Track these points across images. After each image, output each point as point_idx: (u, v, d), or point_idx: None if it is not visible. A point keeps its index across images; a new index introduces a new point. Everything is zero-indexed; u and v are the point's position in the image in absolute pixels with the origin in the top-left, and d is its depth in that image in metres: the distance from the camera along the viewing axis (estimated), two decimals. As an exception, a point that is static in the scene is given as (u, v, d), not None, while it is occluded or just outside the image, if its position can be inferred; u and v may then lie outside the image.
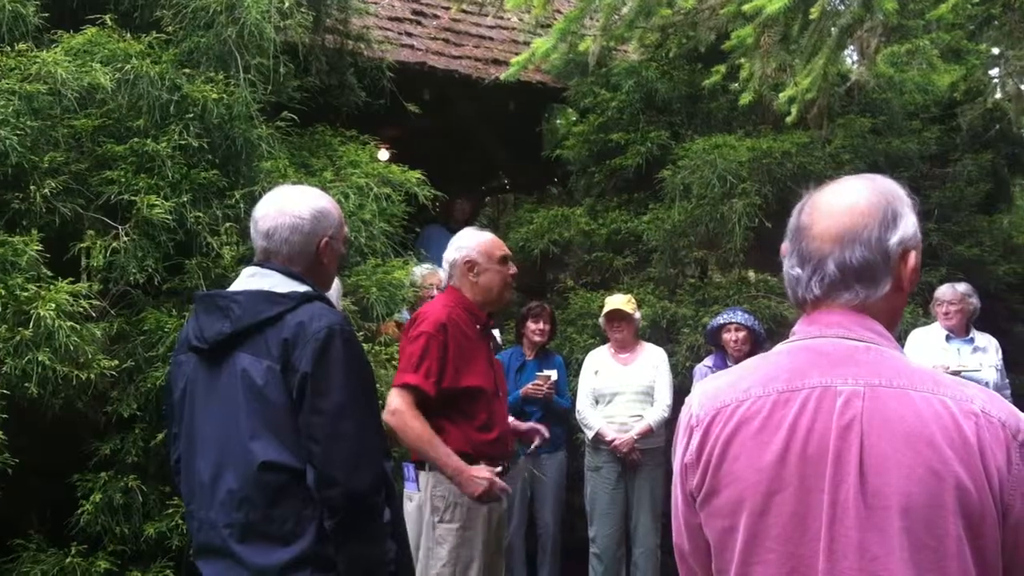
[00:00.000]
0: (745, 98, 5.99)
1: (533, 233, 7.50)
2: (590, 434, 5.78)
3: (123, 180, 4.15)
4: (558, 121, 8.35)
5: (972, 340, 5.97)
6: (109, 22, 4.54)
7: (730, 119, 7.49)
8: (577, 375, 6.03)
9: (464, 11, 8.06)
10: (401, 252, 5.15)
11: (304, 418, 2.32)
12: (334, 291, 3.47)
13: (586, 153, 7.75)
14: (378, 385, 3.56)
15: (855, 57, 7.31)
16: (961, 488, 1.46)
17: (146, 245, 4.07)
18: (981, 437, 1.48)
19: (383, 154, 7.05)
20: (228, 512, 2.38)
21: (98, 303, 3.92)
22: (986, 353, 5.92)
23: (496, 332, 6.02)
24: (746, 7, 5.28)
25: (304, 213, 2.53)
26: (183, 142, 4.32)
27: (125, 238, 4.03)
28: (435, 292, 5.13)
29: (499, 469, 3.75)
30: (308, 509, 2.35)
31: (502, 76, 7.04)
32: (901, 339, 5.98)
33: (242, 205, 4.35)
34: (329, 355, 2.34)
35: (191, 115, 4.39)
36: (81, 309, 3.71)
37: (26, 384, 3.49)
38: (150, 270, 4.05)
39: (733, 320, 5.65)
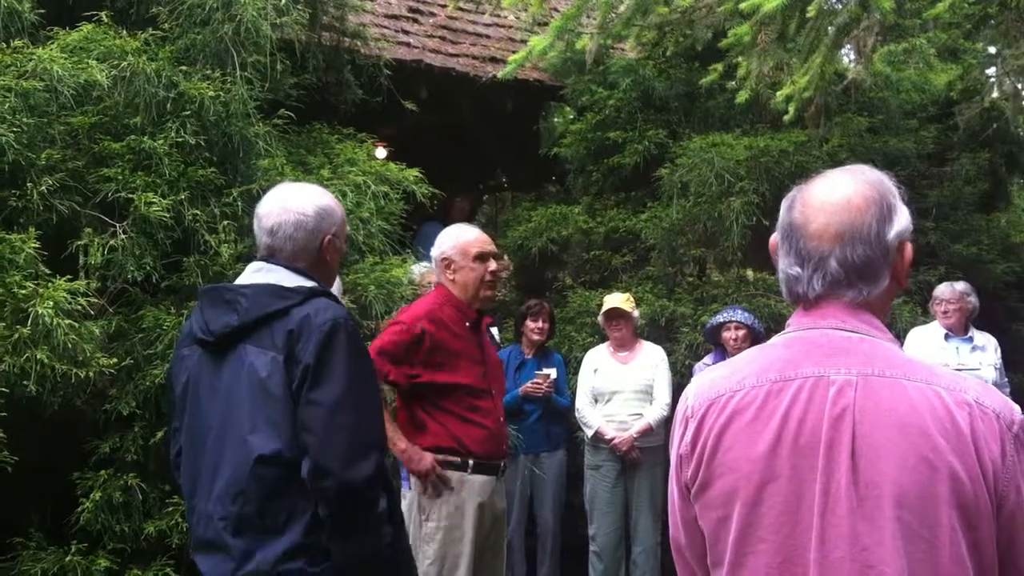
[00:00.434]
0: (742, 96, 5.99)
1: (531, 231, 7.50)
2: (589, 432, 5.78)
3: (120, 178, 4.15)
4: (555, 119, 8.35)
5: (971, 339, 5.98)
6: (105, 19, 4.54)
7: (727, 118, 7.49)
8: (576, 373, 6.03)
9: (461, 9, 8.06)
10: (399, 250, 5.14)
11: (302, 409, 2.33)
12: (336, 288, 3.47)
13: (584, 151, 7.74)
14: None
15: (852, 56, 7.33)
16: (955, 478, 1.45)
17: (144, 243, 4.08)
18: (975, 427, 1.48)
19: (380, 152, 7.04)
20: (224, 505, 2.38)
21: (96, 301, 3.92)
22: (985, 352, 5.92)
23: (494, 330, 6.01)
24: (743, 5, 5.27)
25: (308, 210, 2.55)
26: (180, 140, 4.33)
27: (123, 236, 4.04)
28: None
29: (442, 457, 3.75)
30: (304, 502, 2.34)
31: (499, 74, 7.03)
32: (900, 338, 5.98)
33: (240, 203, 4.36)
34: (332, 347, 2.34)
35: (188, 112, 4.40)
36: (79, 307, 3.70)
37: (25, 382, 3.49)
38: (148, 268, 4.06)
39: (733, 319, 5.64)
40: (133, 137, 4.26)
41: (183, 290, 4.19)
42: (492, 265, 3.97)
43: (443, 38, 7.87)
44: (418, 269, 5.45)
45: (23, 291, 3.61)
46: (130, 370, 3.95)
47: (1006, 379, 5.89)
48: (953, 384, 1.52)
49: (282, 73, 5.10)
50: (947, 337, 5.95)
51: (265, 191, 2.68)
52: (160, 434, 3.79)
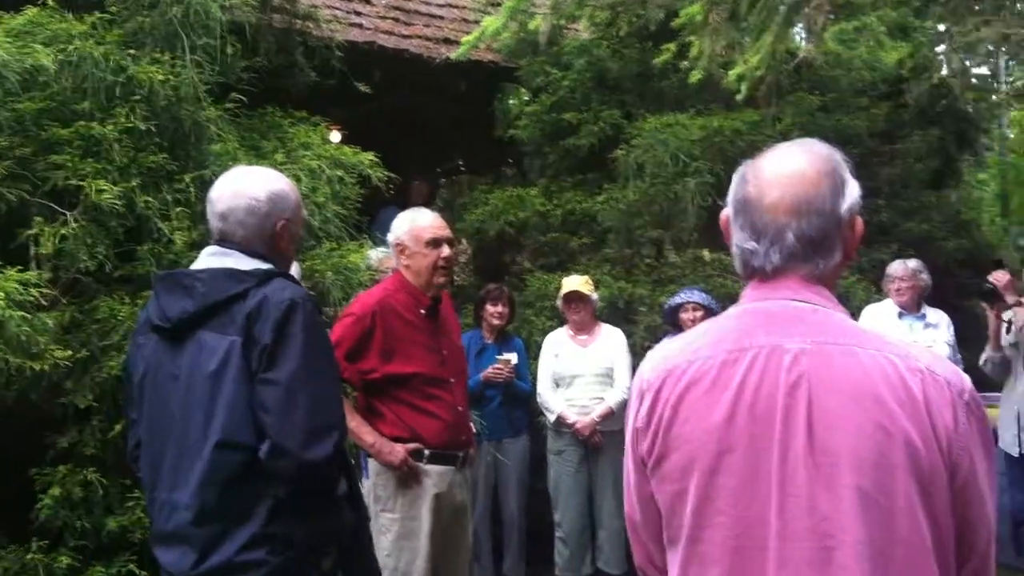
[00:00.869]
0: (695, 76, 6.02)
1: (488, 215, 7.47)
2: (552, 417, 5.78)
3: (70, 165, 4.06)
4: (511, 101, 8.32)
5: (924, 316, 6.06)
6: (51, 2, 4.44)
7: (681, 98, 7.51)
8: (537, 358, 6.02)
9: (414, -10, 7.98)
10: (356, 235, 5.10)
11: (259, 389, 2.30)
12: (293, 273, 3.43)
13: (539, 133, 7.73)
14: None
15: (804, 35, 7.38)
16: (910, 445, 1.47)
17: (96, 231, 3.99)
18: (927, 394, 1.49)
19: (335, 136, 6.97)
20: (186, 494, 2.35)
21: (49, 292, 3.83)
22: (938, 329, 6.00)
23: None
24: (695, -16, 5.30)
25: (260, 195, 2.51)
26: (130, 125, 4.24)
27: (74, 224, 3.95)
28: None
29: (414, 446, 3.74)
30: (265, 488, 2.32)
31: (453, 55, 7.01)
32: (855, 316, 6.04)
33: (192, 189, 4.28)
34: (289, 326, 2.32)
35: (137, 97, 4.31)
36: (31, 298, 3.62)
37: (-23, 376, 3.41)
38: (101, 257, 3.97)
39: (690, 300, 5.67)
40: (82, 123, 4.16)
41: (137, 279, 4.11)
42: (445, 251, 3.93)
43: (396, 19, 7.80)
44: (375, 254, 5.41)
45: (-28, 282, 3.52)
46: (86, 362, 3.87)
47: (959, 356, 5.98)
48: (904, 352, 1.54)
49: (233, 56, 5.00)
50: (900, 315, 6.02)
51: (218, 176, 2.64)
52: (119, 427, 3.73)
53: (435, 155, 9.50)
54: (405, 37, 7.60)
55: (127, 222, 4.10)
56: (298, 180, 4.77)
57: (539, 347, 6.05)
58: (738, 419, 1.53)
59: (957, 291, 7.59)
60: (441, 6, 8.34)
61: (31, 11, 4.36)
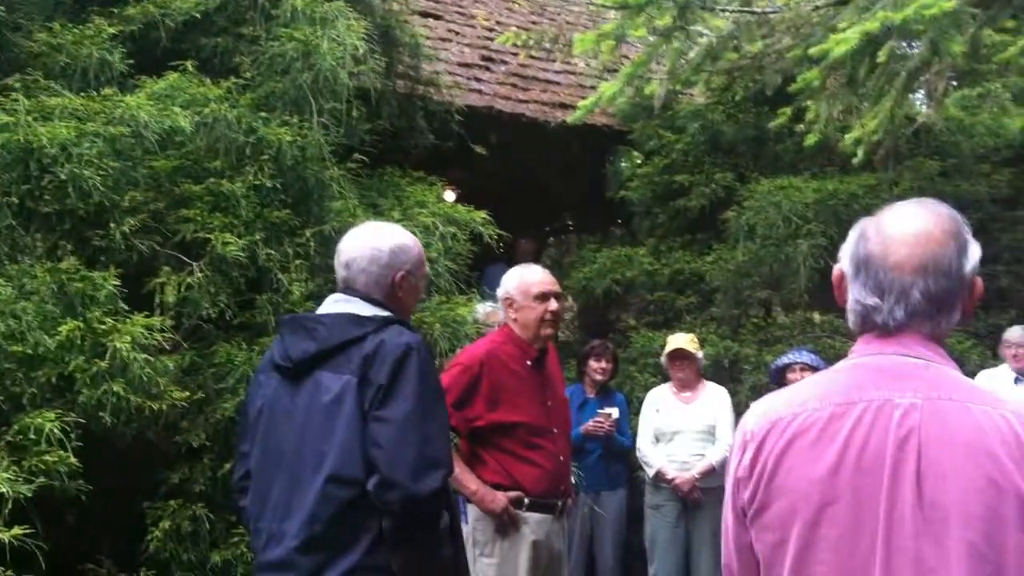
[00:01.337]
0: (811, 139, 5.98)
1: (595, 273, 7.54)
2: (651, 472, 5.75)
3: (199, 219, 4.28)
4: (623, 163, 8.41)
5: (1041, 382, 5.86)
6: (190, 68, 4.73)
7: (796, 161, 7.46)
8: (638, 414, 6.02)
9: (532, 57, 8.19)
10: (465, 290, 5.21)
11: (372, 425, 2.38)
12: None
13: (650, 194, 7.79)
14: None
15: (924, 100, 7.28)
16: (1022, 501, 1.44)
17: (219, 281, 4.19)
18: None
19: (449, 195, 7.15)
20: (295, 524, 2.44)
21: (171, 336, 4.04)
22: (1057, 398, 5.79)
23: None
24: (812, 51, 5.29)
25: (383, 246, 2.64)
26: (257, 182, 4.46)
27: (199, 274, 4.15)
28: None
29: (515, 494, 3.75)
30: (369, 520, 2.39)
31: (568, 119, 7.14)
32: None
33: (312, 243, 4.47)
34: (404, 369, 2.41)
35: (266, 157, 4.54)
36: (155, 342, 3.81)
37: (101, 413, 3.59)
38: (222, 305, 4.17)
39: (799, 360, 5.57)
40: (212, 180, 4.41)
41: (255, 327, 4.30)
42: (552, 304, 3.99)
43: (514, 85, 8.01)
44: (482, 308, 5.52)
45: (102, 326, 3.72)
46: (201, 403, 4.05)
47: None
48: (1019, 410, 1.51)
49: (357, 119, 5.24)
50: (1017, 380, 5.84)
51: (337, 232, 2.78)
52: (228, 466, 3.85)
53: (546, 214, 9.65)
54: (522, 102, 7.79)
55: (249, 273, 4.29)
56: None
57: (641, 403, 6.05)
58: (843, 471, 1.52)
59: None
60: (558, 72, 8.52)
61: (172, 76, 4.65)
